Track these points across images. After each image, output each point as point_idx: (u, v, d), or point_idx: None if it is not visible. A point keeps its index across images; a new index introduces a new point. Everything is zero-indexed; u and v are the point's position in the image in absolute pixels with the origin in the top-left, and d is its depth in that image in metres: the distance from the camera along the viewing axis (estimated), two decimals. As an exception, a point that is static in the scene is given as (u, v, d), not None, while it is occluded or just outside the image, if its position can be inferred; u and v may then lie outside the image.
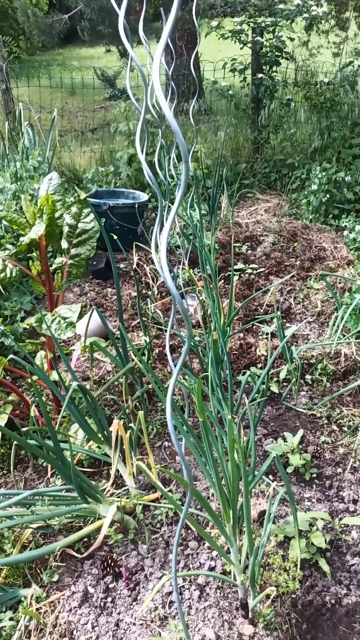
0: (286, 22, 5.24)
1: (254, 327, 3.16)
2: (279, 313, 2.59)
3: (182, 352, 1.04)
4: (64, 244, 2.13)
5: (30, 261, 2.06)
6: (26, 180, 4.03)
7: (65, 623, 1.60)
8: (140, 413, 1.93)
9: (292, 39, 5.40)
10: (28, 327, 2.43)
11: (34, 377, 2.03)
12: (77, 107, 10.29)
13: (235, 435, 1.35)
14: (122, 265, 4.10)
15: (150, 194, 4.81)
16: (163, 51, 0.92)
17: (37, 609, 1.62)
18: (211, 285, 2.78)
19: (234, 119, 5.83)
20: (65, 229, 2.13)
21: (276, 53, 5.21)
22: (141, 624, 1.60)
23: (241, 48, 5.30)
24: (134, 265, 3.87)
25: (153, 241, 1.59)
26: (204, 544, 1.86)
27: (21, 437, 1.65)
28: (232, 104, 5.43)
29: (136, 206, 4.14)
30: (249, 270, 3.75)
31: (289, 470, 2.13)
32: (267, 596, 1.63)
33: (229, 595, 1.70)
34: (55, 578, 1.72)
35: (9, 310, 3.16)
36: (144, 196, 4.52)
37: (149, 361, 2.79)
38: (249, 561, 1.62)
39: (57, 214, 1.99)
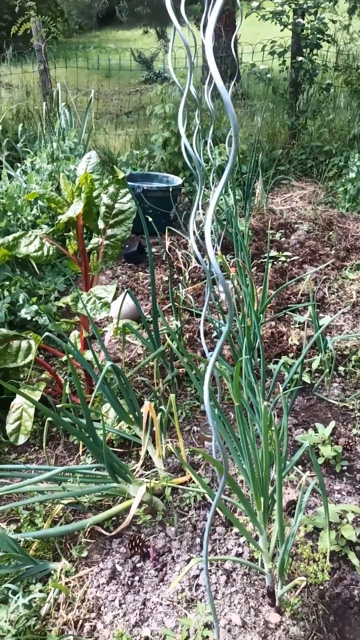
0: (329, 3, 5.08)
1: (286, 316, 3.12)
2: (313, 302, 2.55)
3: (223, 332, 1.02)
4: (101, 225, 2.13)
5: (67, 240, 2.06)
6: (62, 161, 4.03)
7: (93, 598, 1.62)
8: (172, 396, 1.92)
9: (334, 22, 5.24)
10: (63, 306, 2.44)
11: (68, 356, 2.05)
12: (113, 90, 10.24)
13: (269, 420, 1.33)
14: (154, 250, 4.08)
15: (184, 178, 4.77)
16: (215, 21, 0.90)
17: (66, 583, 1.64)
18: (245, 272, 2.74)
19: (271, 104, 5.71)
20: (102, 209, 2.12)
21: (317, 35, 5.06)
22: (168, 605, 1.61)
23: (281, 30, 5.17)
24: (166, 250, 3.85)
25: (191, 223, 1.57)
26: (231, 530, 1.86)
27: (56, 414, 1.67)
28: (269, 88, 5.32)
29: (170, 190, 4.11)
30: (283, 258, 3.69)
31: (319, 461, 2.10)
32: (295, 586, 1.62)
33: (256, 582, 1.69)
34: (85, 554, 1.74)
35: (43, 290, 3.19)
36: (177, 180, 4.48)
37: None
38: (277, 550, 1.61)
39: (94, 194, 1.98)
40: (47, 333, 1.95)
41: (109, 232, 2.12)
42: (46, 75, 5.66)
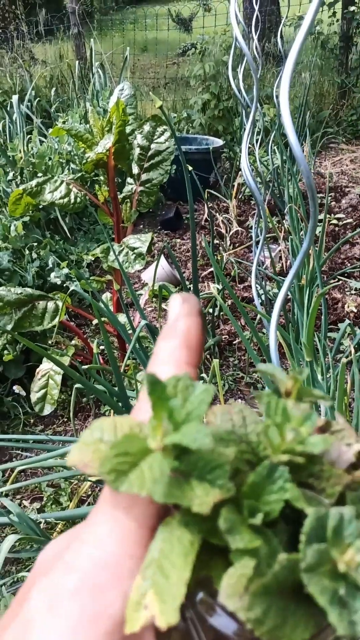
0: None
1: (340, 282, 2.81)
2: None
3: (294, 263, 0.76)
4: (135, 169, 1.87)
5: (97, 186, 1.82)
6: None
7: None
8: (215, 361, 1.66)
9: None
10: (93, 265, 2.22)
11: (99, 321, 1.82)
12: (150, 63, 9.91)
13: (342, 383, 1.06)
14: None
15: (225, 141, 4.45)
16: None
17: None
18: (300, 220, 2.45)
19: (319, 60, 5.30)
20: (137, 151, 1.86)
21: (373, -18, 4.62)
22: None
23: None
24: (205, 215, 3.58)
25: (244, 142, 1.30)
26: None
27: (84, 378, 1.44)
28: (318, 42, 4.91)
29: (210, 151, 3.81)
30: (334, 221, 3.36)
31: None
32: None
33: None
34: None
35: (75, 255, 2.98)
36: (218, 142, 4.18)
37: (221, 312, 2.53)
38: None
39: (128, 129, 1.73)
40: (74, 288, 1.71)
41: (144, 176, 1.86)
42: (80, 39, 5.42)
